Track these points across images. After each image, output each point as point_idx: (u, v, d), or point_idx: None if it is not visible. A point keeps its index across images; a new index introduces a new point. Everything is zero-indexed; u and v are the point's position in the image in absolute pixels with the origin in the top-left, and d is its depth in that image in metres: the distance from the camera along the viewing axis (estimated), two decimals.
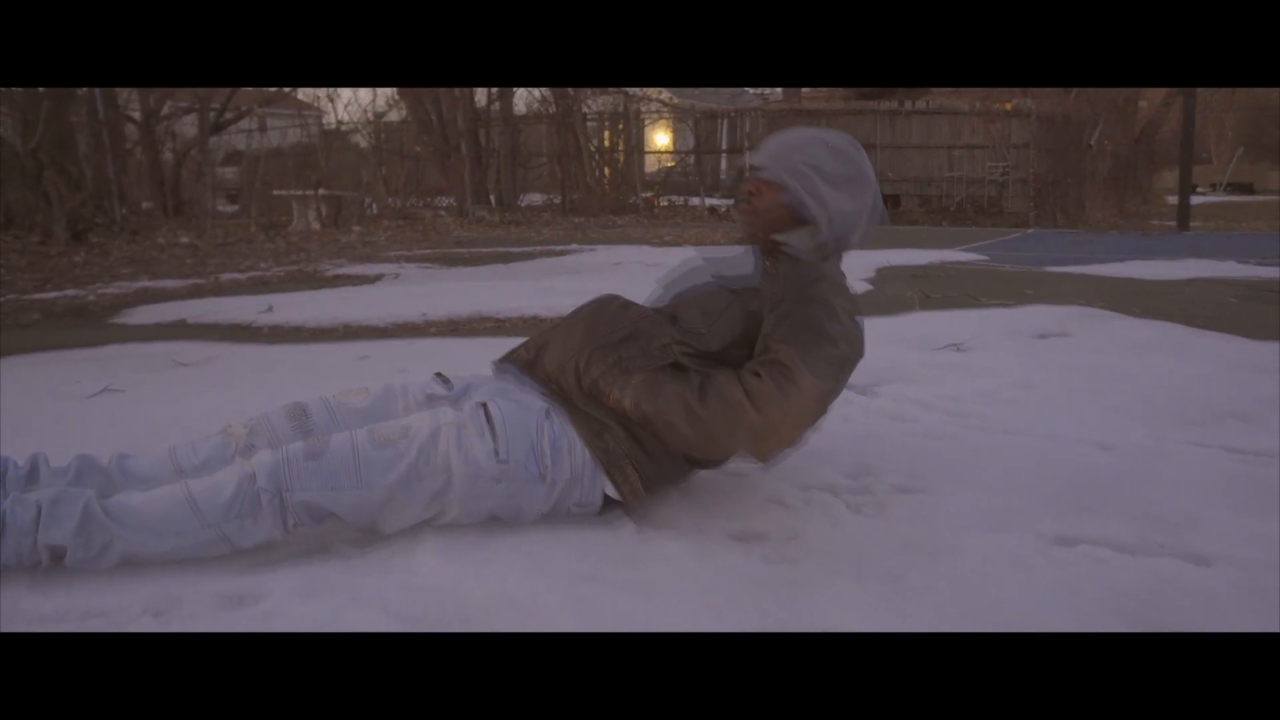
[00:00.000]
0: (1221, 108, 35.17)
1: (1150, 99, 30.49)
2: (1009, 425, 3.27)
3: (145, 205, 18.78)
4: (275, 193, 19.86)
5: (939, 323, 6.03)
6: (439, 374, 2.64)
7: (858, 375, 4.39)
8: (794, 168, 2.32)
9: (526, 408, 2.30)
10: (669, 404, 2.13)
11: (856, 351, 2.24)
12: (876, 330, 5.68)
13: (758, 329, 2.22)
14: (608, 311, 2.43)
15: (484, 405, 2.28)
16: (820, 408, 2.19)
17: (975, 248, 13.56)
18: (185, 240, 14.15)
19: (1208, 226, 19.58)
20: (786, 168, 2.33)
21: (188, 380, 4.52)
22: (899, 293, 7.58)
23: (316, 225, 17.22)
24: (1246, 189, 41.68)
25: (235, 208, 21.79)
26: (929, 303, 7.13)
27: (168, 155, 21.08)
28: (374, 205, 21.82)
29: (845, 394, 3.74)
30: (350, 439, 2.17)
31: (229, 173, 24.61)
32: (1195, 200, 30.09)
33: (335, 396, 2.52)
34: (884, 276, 9.14)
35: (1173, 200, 27.58)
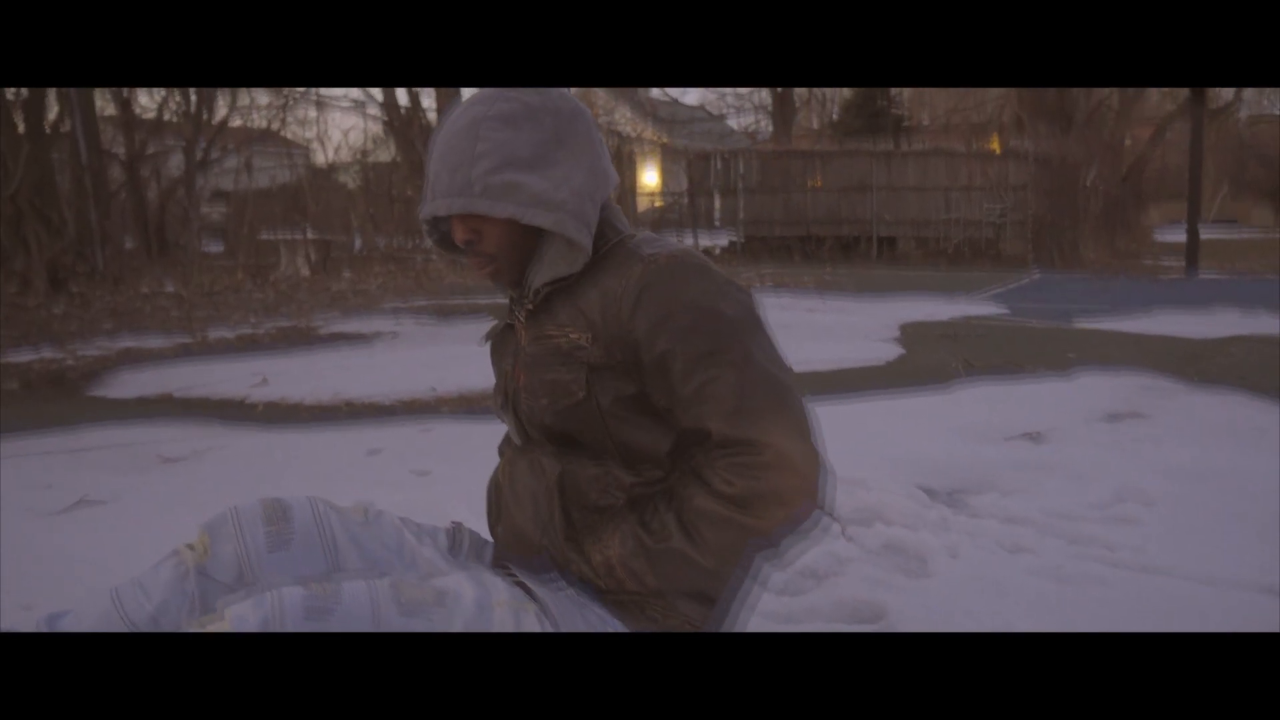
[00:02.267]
0: (1206, 146, 35.13)
1: (1137, 137, 30.37)
2: (1150, 561, 2.78)
3: (128, 246, 18.21)
4: (262, 236, 19.33)
5: (995, 400, 5.55)
6: (456, 523, 2.05)
7: (940, 480, 3.73)
8: (479, 184, 1.59)
9: (569, 598, 1.74)
10: (671, 572, 1.55)
11: (786, 369, 1.57)
12: (933, 411, 5.27)
13: (634, 397, 1.60)
14: (524, 480, 1.80)
15: (526, 589, 1.72)
16: (811, 449, 1.52)
17: (991, 296, 13.14)
18: (170, 289, 13.61)
19: (1211, 265, 19.25)
20: (472, 192, 1.60)
21: (175, 481, 3.99)
22: (939, 361, 7.11)
23: (305, 271, 16.71)
24: (1232, 224, 41.69)
25: (220, 247, 21.24)
26: (973, 370, 6.67)
27: (151, 195, 20.57)
28: (364, 248, 21.29)
29: (941, 514, 3.25)
30: (369, 594, 1.62)
31: (214, 212, 24.07)
32: (1181, 236, 30.09)
33: (326, 504, 1.94)
34: (911, 337, 8.69)
35: (1161, 238, 27.56)
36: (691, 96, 33.28)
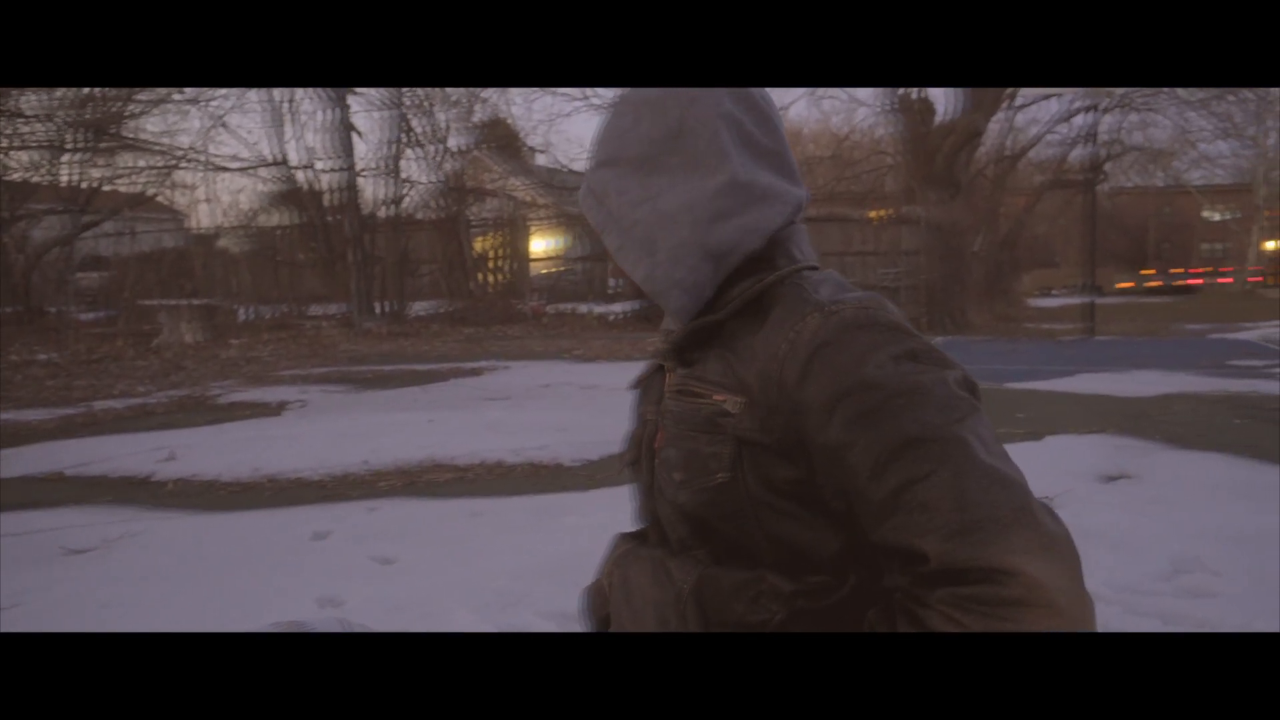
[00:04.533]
0: (1071, 216, 36.51)
1: (1010, 204, 31.41)
2: (1247, 627, 2.44)
3: None
4: (142, 302, 18.29)
5: None
6: None
7: None
8: (590, 177, 1.25)
9: None
10: None
11: (1013, 464, 1.06)
12: None
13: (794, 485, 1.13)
14: (643, 587, 1.33)
15: None
16: (1071, 574, 1.00)
17: None
18: (43, 357, 12.62)
19: (1101, 328, 19.79)
20: (586, 184, 1.25)
21: (87, 575, 3.38)
22: None
23: (189, 338, 15.81)
24: (1097, 290, 43.48)
25: (94, 315, 20.03)
26: None
27: (19, 259, 19.36)
28: (250, 315, 20.36)
29: None
30: None
31: (87, 278, 22.75)
32: (1052, 302, 31.35)
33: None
34: None
35: (1034, 304, 28.44)
36: (581, 164, 33.27)
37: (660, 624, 1.26)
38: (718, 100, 1.22)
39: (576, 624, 1.82)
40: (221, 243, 23.98)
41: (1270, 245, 44.64)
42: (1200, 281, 42.16)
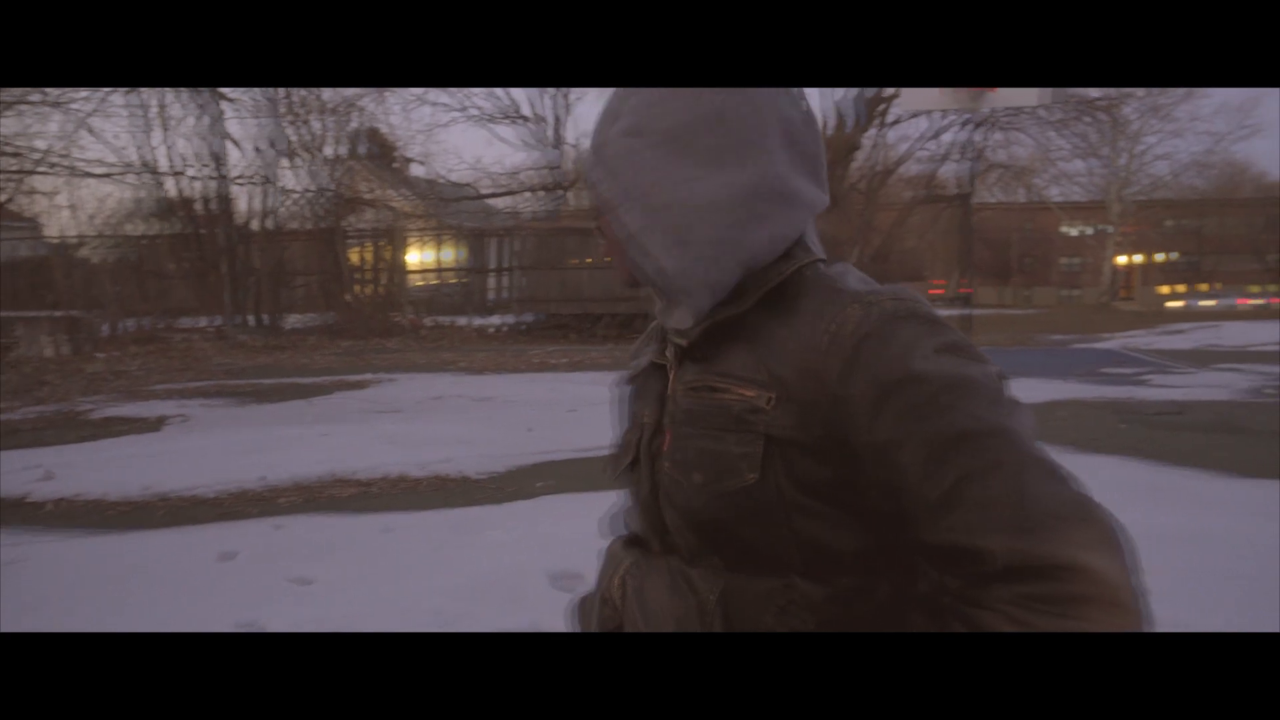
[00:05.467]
0: (939, 231, 37.65)
1: (881, 219, 32.27)
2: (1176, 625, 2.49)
3: None
4: None
5: None
6: None
7: None
8: (610, 146, 1.13)
9: None
10: None
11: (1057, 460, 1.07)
12: None
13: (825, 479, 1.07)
14: (659, 599, 1.25)
15: None
16: (1128, 570, 0.99)
17: None
18: None
19: (976, 338, 20.43)
20: (601, 154, 1.14)
21: None
22: None
23: (50, 351, 15.04)
24: (967, 303, 44.99)
25: None
26: None
27: None
28: (117, 327, 19.45)
29: None
30: None
31: None
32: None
33: None
34: None
35: None
36: (459, 175, 32.85)
37: None
38: (773, 96, 1.15)
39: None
40: (84, 252, 22.90)
41: (1123, 260, 46.92)
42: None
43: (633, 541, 1.30)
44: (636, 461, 1.24)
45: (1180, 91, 37.01)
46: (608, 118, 1.15)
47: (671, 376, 1.18)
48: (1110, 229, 43.57)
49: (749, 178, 1.10)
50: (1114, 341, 20.56)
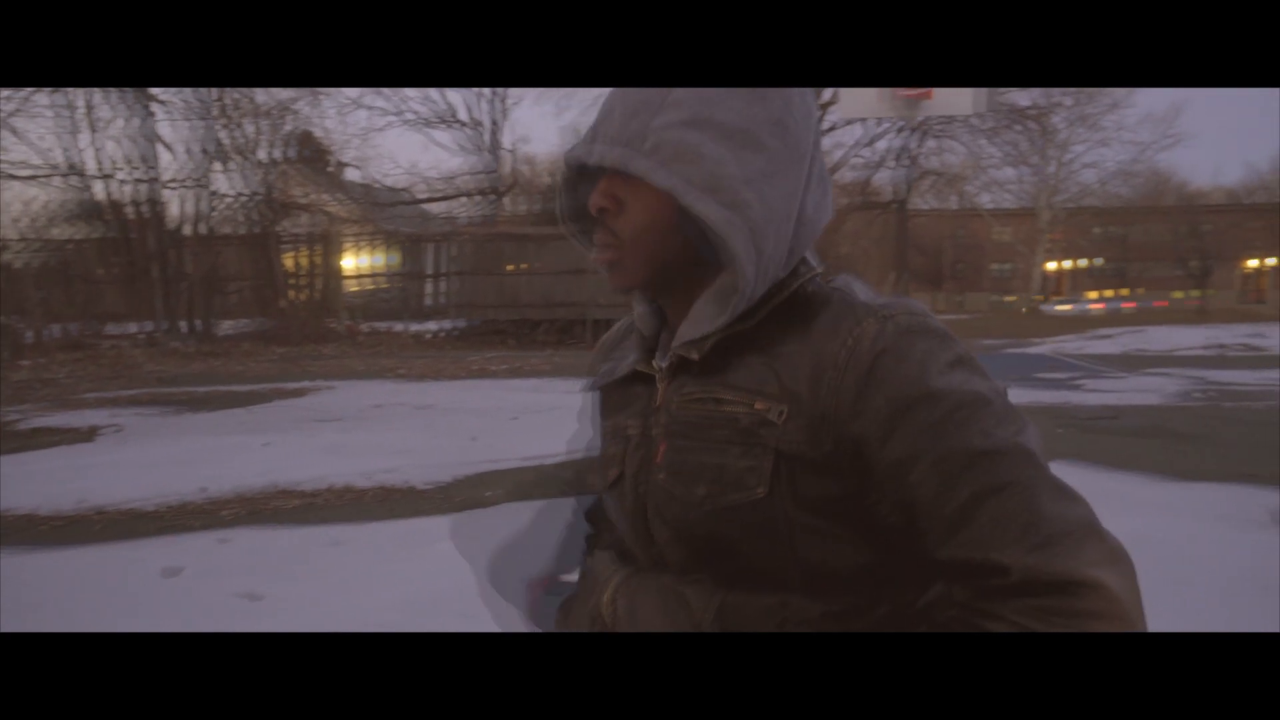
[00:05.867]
0: (871, 237, 38.06)
1: (856, 217, 32.57)
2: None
3: None
4: None
5: None
6: None
7: None
8: (654, 137, 1.09)
9: None
10: None
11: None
12: None
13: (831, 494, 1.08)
14: (650, 616, 1.23)
15: None
16: (1136, 587, 0.99)
17: None
18: None
19: None
20: (641, 145, 1.09)
21: None
22: None
23: None
24: None
25: None
26: None
27: None
28: (43, 334, 18.93)
29: None
30: None
31: None
32: None
33: None
34: None
35: None
36: (395, 180, 32.51)
37: None
38: (810, 102, 1.15)
39: None
40: (7, 256, 22.26)
41: (1052, 266, 47.93)
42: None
43: (619, 556, 1.28)
44: (622, 476, 1.22)
45: (1107, 101, 37.91)
46: (645, 109, 1.10)
47: (662, 387, 1.17)
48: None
49: (797, 188, 1.10)
50: (1045, 346, 20.98)
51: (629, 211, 1.12)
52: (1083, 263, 51.59)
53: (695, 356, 1.12)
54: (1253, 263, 52.25)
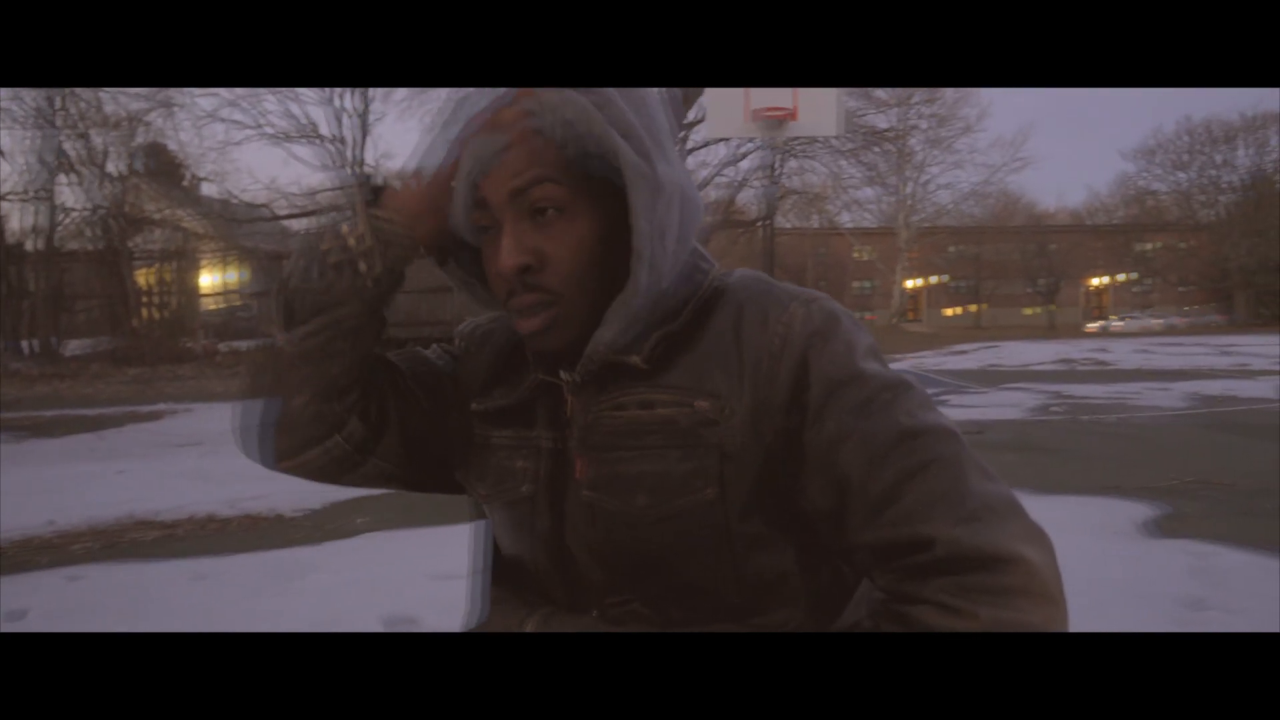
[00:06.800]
0: (736, 255, 38.62)
1: (720, 236, 32.91)
2: None
3: None
4: None
5: None
6: None
7: None
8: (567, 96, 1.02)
9: None
10: None
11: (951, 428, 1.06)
12: None
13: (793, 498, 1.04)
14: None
15: None
16: (1055, 566, 1.00)
17: None
18: None
19: None
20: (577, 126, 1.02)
21: None
22: None
23: None
24: None
25: None
26: None
27: None
28: None
29: None
30: None
31: None
32: None
33: None
34: None
35: None
36: (254, 195, 31.55)
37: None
38: (650, 91, 1.13)
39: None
40: None
41: (911, 284, 49.52)
42: None
43: (526, 586, 1.19)
44: (536, 494, 1.14)
45: (960, 125, 39.46)
46: (600, 127, 1.02)
47: (571, 399, 1.09)
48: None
49: (681, 178, 1.07)
50: (906, 362, 21.58)
51: (554, 260, 1.03)
52: (934, 280, 53.52)
53: (639, 360, 1.05)
54: (1095, 280, 55.13)
